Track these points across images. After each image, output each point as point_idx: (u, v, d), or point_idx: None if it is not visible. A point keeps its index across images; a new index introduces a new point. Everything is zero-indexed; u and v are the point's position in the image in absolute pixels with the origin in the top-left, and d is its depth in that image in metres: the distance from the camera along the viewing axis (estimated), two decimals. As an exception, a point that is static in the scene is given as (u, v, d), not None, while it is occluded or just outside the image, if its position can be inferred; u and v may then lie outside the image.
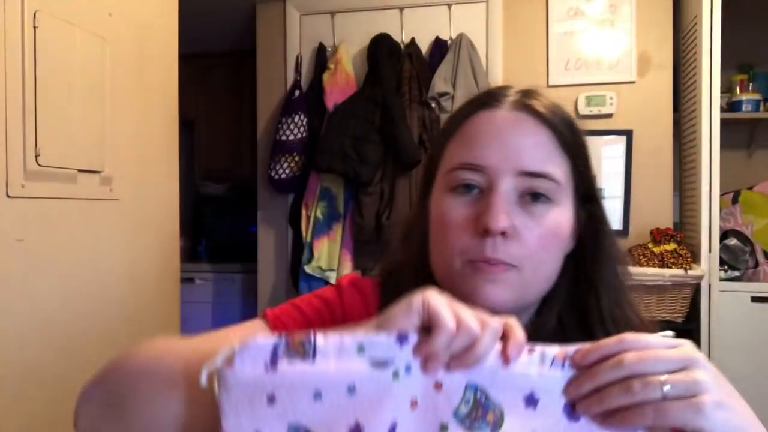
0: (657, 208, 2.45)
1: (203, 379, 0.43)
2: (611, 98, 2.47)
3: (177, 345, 0.54)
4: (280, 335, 0.43)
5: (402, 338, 0.43)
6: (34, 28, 1.28)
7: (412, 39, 2.57)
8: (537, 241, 0.56)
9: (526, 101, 0.59)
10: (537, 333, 0.58)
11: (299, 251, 2.60)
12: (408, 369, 0.43)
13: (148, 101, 1.74)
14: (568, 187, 0.59)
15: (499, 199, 0.55)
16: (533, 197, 0.57)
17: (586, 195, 0.61)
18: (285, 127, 2.61)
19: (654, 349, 0.43)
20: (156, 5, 1.79)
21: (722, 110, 2.32)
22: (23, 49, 1.26)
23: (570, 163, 0.59)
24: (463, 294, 0.55)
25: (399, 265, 0.66)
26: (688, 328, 2.11)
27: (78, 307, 1.45)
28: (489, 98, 0.61)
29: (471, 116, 0.60)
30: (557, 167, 0.58)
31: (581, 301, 0.61)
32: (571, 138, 0.59)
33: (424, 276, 0.61)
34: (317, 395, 0.42)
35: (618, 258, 0.63)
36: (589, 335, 0.57)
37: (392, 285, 0.63)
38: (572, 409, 0.43)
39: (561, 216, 0.58)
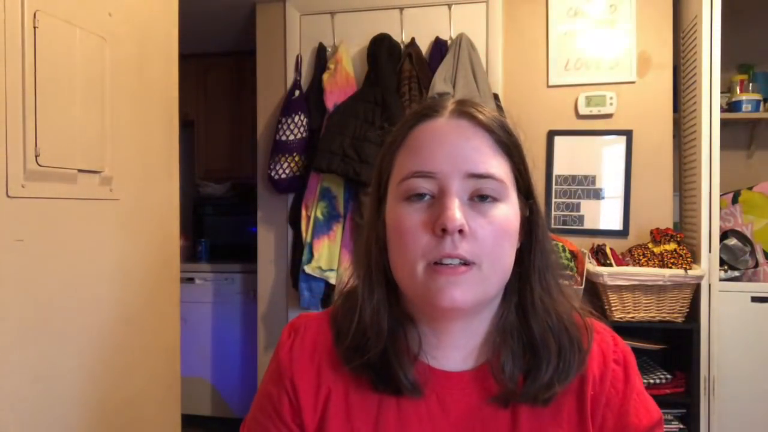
0: (657, 208, 2.45)
1: None
2: (611, 98, 2.47)
3: None
4: None
5: None
6: (34, 28, 1.28)
7: (412, 39, 2.57)
8: (491, 238, 0.60)
9: (463, 109, 0.64)
10: (503, 328, 0.66)
11: (299, 251, 2.60)
12: None
13: (148, 101, 1.74)
14: (511, 184, 0.64)
15: (452, 201, 0.59)
16: (481, 198, 0.61)
17: (527, 191, 0.66)
18: (285, 127, 2.61)
19: None
20: (156, 5, 1.79)
21: (722, 110, 2.32)
22: (23, 49, 1.25)
23: (509, 162, 0.64)
24: (427, 296, 0.60)
25: (360, 287, 0.68)
26: (688, 328, 2.11)
27: (78, 307, 1.45)
28: (429, 110, 0.65)
29: (414, 127, 0.64)
30: (499, 167, 0.62)
31: (520, 290, 0.66)
32: (507, 139, 0.64)
33: (387, 285, 0.65)
34: None
35: (550, 249, 0.68)
36: (525, 321, 0.65)
37: (347, 306, 0.68)
38: None
39: (509, 212, 0.62)
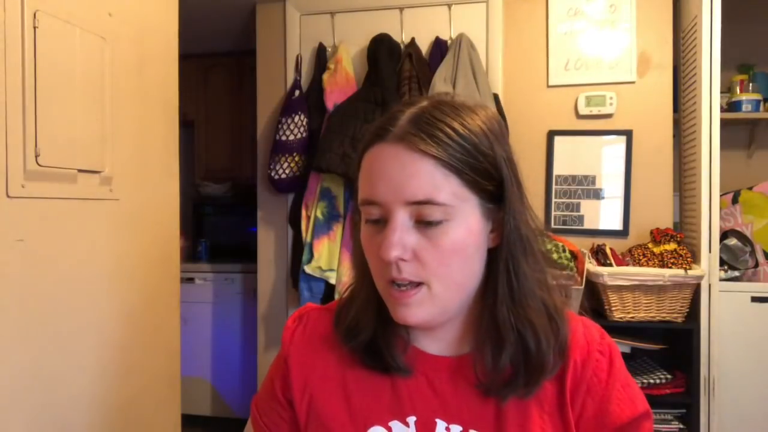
0: (657, 208, 2.45)
1: None
2: (611, 98, 2.47)
3: None
4: None
5: None
6: (34, 28, 1.28)
7: (412, 39, 2.57)
8: (437, 261, 0.62)
9: (406, 132, 0.62)
10: (481, 324, 0.68)
11: (299, 251, 2.60)
12: None
13: (148, 101, 1.74)
14: (468, 198, 0.63)
15: (391, 232, 0.61)
16: (426, 222, 0.62)
17: (498, 195, 0.65)
18: (285, 127, 2.61)
19: None
20: (156, 5, 1.79)
21: (722, 110, 2.32)
22: (23, 49, 1.25)
23: (461, 179, 0.62)
24: (389, 309, 0.66)
25: (355, 282, 0.76)
26: (688, 328, 2.11)
27: (78, 306, 1.45)
28: (381, 129, 0.64)
29: (366, 151, 0.66)
30: (441, 190, 0.61)
31: (496, 289, 0.67)
32: (457, 155, 0.61)
33: (372, 290, 0.69)
34: None
35: (525, 249, 0.66)
36: (502, 319, 0.65)
37: (348, 302, 0.75)
38: None
39: (460, 230, 0.62)
